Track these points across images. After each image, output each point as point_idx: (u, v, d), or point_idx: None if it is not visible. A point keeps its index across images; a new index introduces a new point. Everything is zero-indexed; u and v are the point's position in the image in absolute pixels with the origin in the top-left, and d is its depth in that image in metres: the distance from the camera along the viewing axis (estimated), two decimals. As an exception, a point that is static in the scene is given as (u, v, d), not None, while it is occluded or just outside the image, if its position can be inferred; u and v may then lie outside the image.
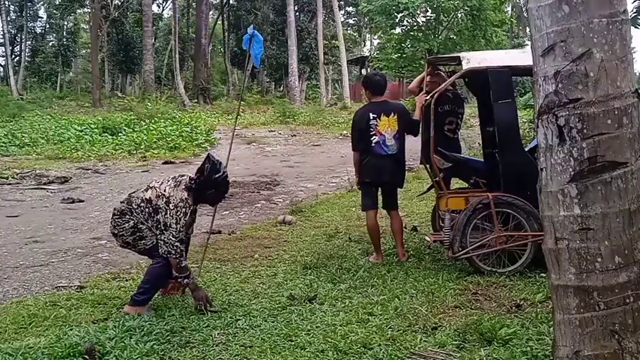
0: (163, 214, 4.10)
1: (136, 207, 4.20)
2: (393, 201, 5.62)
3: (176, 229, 4.09)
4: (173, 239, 4.07)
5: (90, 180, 11.20)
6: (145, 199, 4.19)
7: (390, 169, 5.37)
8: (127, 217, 4.22)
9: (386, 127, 5.29)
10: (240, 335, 3.67)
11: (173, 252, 4.07)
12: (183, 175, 4.36)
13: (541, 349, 3.26)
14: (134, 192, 4.34)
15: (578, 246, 2.41)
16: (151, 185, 4.30)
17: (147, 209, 4.18)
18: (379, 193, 5.63)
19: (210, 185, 4.25)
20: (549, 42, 2.40)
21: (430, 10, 26.13)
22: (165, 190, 4.18)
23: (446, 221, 5.02)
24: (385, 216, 7.37)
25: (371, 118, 5.31)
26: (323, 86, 32.10)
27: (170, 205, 4.11)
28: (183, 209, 4.13)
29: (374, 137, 5.31)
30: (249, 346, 3.50)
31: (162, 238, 4.10)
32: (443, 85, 5.32)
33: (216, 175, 4.23)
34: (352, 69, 43.44)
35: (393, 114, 5.31)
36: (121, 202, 4.31)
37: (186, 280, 4.14)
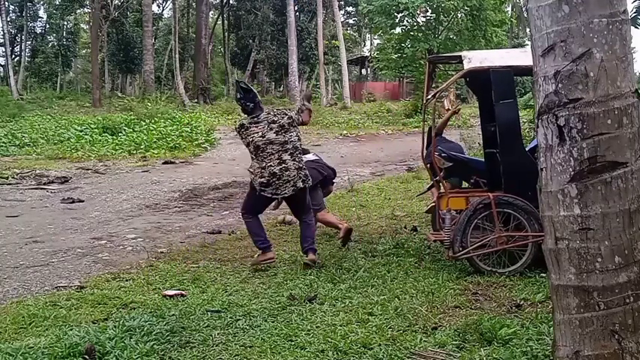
0: (291, 116, 5.47)
1: (285, 138, 5.33)
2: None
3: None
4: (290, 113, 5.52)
5: (90, 180, 11.20)
6: (277, 131, 5.32)
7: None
8: (300, 148, 5.49)
9: None
10: (240, 335, 3.67)
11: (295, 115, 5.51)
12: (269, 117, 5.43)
13: (541, 349, 3.26)
14: (259, 142, 5.31)
15: (578, 246, 2.41)
16: (263, 126, 5.35)
17: (285, 132, 5.34)
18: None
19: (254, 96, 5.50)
20: (549, 42, 2.40)
21: (430, 10, 26.10)
22: (280, 118, 5.41)
23: (446, 221, 5.02)
24: (386, 216, 7.37)
25: None
26: (323, 86, 32.02)
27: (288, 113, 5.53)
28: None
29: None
30: (249, 346, 3.50)
31: (290, 122, 5.38)
32: (445, 84, 5.34)
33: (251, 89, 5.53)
34: (352, 69, 43.41)
35: None
36: (285, 152, 5.27)
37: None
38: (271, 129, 5.31)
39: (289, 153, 5.29)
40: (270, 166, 5.21)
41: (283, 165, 5.22)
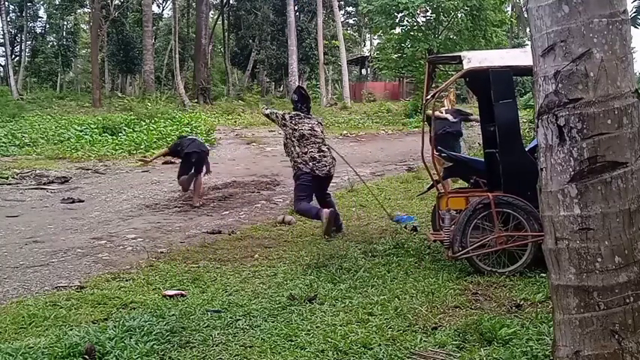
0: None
1: (324, 138, 6.75)
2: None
3: None
4: None
5: (90, 180, 11.20)
6: (322, 131, 6.80)
7: None
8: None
9: None
10: (240, 335, 3.67)
11: None
12: (319, 120, 6.99)
13: (541, 349, 3.26)
14: (309, 134, 6.56)
15: (578, 246, 2.41)
16: (315, 123, 6.71)
17: (324, 136, 6.81)
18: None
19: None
20: (549, 42, 2.40)
21: (430, 10, 26.10)
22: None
23: (446, 221, 5.02)
24: (386, 216, 7.37)
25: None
26: (323, 86, 32.05)
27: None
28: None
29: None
30: (249, 346, 3.50)
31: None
32: (444, 84, 5.34)
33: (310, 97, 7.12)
34: (352, 69, 43.42)
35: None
36: (325, 146, 6.61)
37: None
38: (320, 126, 6.77)
39: (327, 147, 6.69)
40: (311, 151, 6.50)
41: (322, 152, 6.55)
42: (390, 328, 3.73)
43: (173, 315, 3.98)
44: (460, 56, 5.21)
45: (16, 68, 39.36)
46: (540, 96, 2.46)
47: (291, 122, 6.60)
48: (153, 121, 18.38)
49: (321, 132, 6.70)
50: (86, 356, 3.27)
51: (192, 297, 4.46)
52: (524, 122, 10.99)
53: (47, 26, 45.33)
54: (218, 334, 3.68)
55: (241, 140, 18.02)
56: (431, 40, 25.40)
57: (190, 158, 8.76)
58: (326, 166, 6.51)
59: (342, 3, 43.94)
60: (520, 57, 5.10)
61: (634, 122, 2.39)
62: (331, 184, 10.36)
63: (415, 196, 8.34)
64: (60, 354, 3.29)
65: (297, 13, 35.96)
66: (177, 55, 32.49)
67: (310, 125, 6.61)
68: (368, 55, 45.45)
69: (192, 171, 8.78)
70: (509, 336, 3.45)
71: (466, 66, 4.99)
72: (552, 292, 2.56)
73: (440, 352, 3.35)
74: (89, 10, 39.84)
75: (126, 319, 3.78)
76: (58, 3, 41.20)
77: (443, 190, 5.46)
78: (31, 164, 12.77)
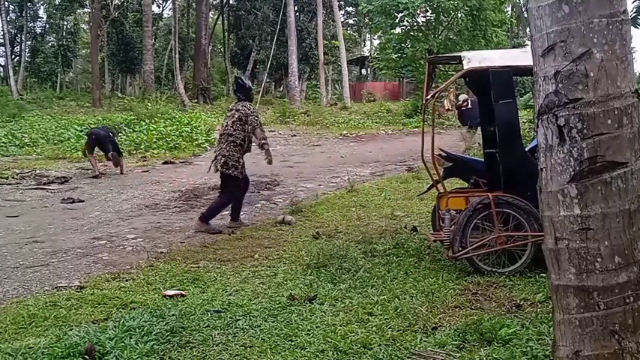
0: (253, 118, 6.92)
1: (233, 131, 6.86)
2: None
3: (261, 125, 7.06)
4: (264, 133, 7.12)
5: (90, 180, 11.20)
6: (233, 122, 6.89)
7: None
8: (239, 144, 6.87)
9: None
10: (240, 335, 3.67)
11: (266, 141, 7.07)
12: (238, 107, 7.03)
13: (541, 349, 3.26)
14: (221, 129, 7.11)
15: (578, 246, 2.41)
16: (229, 115, 7.03)
17: (239, 125, 6.86)
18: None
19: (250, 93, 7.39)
20: (549, 42, 2.40)
21: (430, 10, 26.05)
22: (244, 110, 6.90)
23: (446, 221, 5.02)
24: (386, 216, 7.37)
25: None
26: (323, 86, 32.05)
27: (254, 113, 7.00)
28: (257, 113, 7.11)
29: None
30: (249, 346, 3.51)
31: (257, 133, 6.94)
32: (444, 84, 5.34)
33: (247, 86, 7.39)
34: (352, 69, 43.40)
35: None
36: (225, 142, 6.87)
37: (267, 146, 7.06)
38: (232, 117, 6.93)
39: (226, 144, 6.90)
40: (216, 148, 7.16)
41: (216, 150, 7.04)
42: (390, 328, 3.73)
43: (173, 315, 3.97)
44: (460, 56, 5.21)
45: (16, 68, 39.30)
46: (540, 96, 2.46)
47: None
48: (153, 121, 18.37)
49: (237, 121, 6.89)
50: (86, 356, 3.27)
51: (192, 297, 4.46)
52: (524, 122, 11.00)
53: (47, 26, 45.27)
54: (218, 334, 3.68)
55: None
56: (431, 40, 25.36)
57: (90, 136, 11.71)
58: (212, 162, 7.06)
59: (342, 3, 43.89)
60: (520, 57, 5.10)
61: (634, 122, 2.39)
62: (331, 184, 10.44)
63: (415, 196, 8.34)
64: (60, 354, 3.29)
65: (297, 13, 35.94)
66: (177, 55, 32.44)
67: (225, 123, 7.06)
68: (368, 55, 45.43)
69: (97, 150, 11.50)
70: (509, 336, 3.45)
71: (466, 66, 4.99)
72: (552, 292, 2.56)
73: (440, 352, 3.35)
74: (89, 10, 39.76)
75: (126, 319, 3.78)
76: (58, 3, 41.12)
77: (443, 190, 5.46)
78: (31, 164, 12.77)
